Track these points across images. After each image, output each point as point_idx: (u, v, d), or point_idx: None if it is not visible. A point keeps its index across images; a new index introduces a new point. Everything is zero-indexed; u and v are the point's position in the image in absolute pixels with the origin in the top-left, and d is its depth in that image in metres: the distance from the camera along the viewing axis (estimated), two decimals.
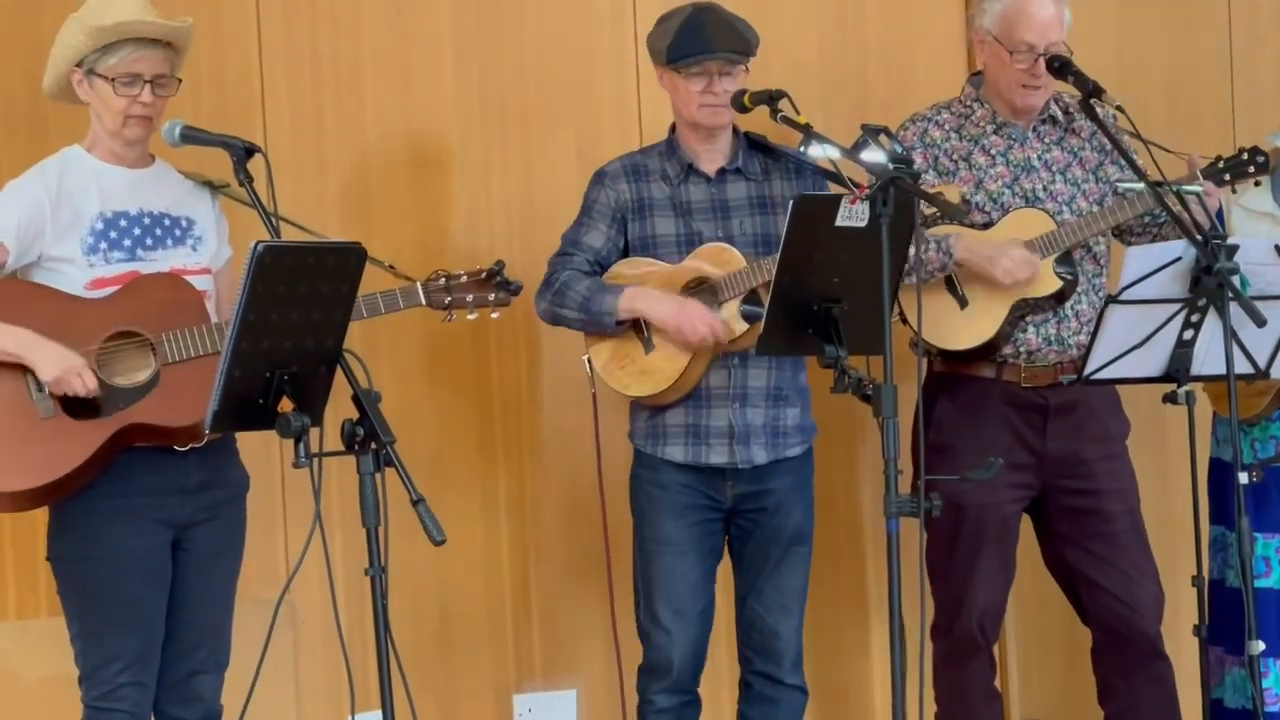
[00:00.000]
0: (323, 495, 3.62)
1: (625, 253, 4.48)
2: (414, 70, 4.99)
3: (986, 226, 4.58)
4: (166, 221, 4.04)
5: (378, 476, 3.61)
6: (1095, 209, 4.61)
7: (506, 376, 5.03)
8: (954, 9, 5.20)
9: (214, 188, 4.14)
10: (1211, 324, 4.26)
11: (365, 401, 3.61)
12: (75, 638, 3.98)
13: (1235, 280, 4.22)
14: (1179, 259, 4.24)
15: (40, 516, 4.03)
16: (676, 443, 4.44)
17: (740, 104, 4.37)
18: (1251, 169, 4.59)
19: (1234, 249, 4.23)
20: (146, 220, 4.01)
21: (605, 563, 4.67)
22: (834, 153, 4.01)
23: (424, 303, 4.15)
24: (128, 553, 3.91)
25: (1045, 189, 4.63)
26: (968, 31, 4.76)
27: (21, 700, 4.60)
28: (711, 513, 4.46)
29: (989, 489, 4.40)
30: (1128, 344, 4.27)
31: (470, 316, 4.20)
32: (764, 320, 3.94)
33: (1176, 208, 4.32)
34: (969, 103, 4.68)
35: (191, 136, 3.96)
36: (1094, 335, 4.28)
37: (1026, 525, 4.72)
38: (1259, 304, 4.18)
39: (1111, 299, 4.24)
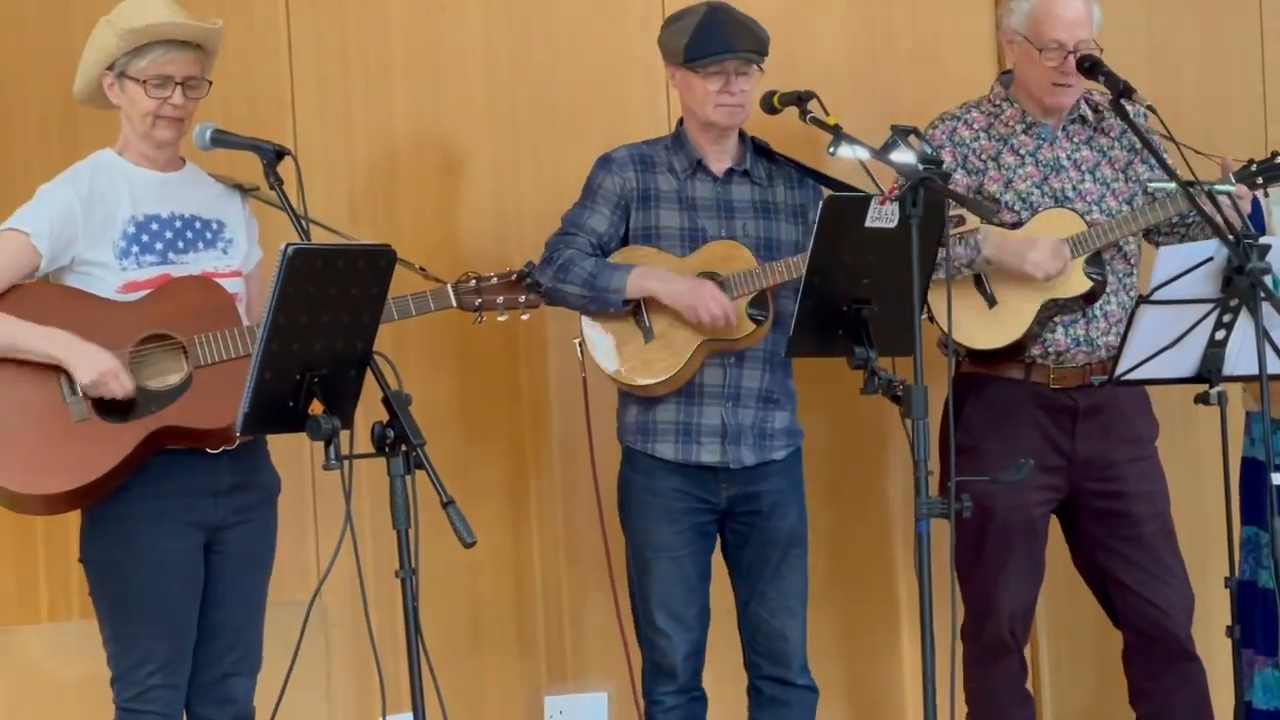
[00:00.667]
0: (353, 497, 3.62)
1: (625, 241, 4.47)
2: (444, 73, 5.00)
3: (1016, 226, 4.57)
4: (197, 224, 4.05)
5: (408, 479, 3.61)
6: (1125, 208, 4.60)
7: (537, 379, 5.03)
8: (984, 9, 5.18)
9: (244, 190, 4.15)
10: (1244, 324, 4.24)
11: (395, 404, 3.62)
12: (107, 640, 3.99)
13: (1268, 280, 4.20)
14: (1211, 259, 4.22)
15: (72, 519, 4.04)
16: (667, 439, 4.42)
17: (770, 105, 4.37)
18: None
19: (1266, 249, 4.21)
20: (178, 223, 4.03)
21: (606, 560, 4.63)
22: (863, 153, 4.01)
23: (454, 304, 4.15)
24: (160, 555, 3.92)
25: (1074, 188, 4.62)
26: (997, 32, 4.75)
27: (54, 701, 4.62)
28: (705, 514, 4.45)
29: (1017, 491, 4.39)
30: (1159, 344, 4.25)
31: (500, 318, 4.20)
32: (794, 321, 3.93)
33: (1208, 208, 4.31)
34: (998, 102, 4.67)
35: (222, 140, 3.97)
36: (1125, 335, 4.26)
37: (1056, 526, 4.71)
38: None
39: (1143, 299, 4.23)
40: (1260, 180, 4.56)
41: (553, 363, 5.02)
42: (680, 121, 4.53)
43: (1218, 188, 4.41)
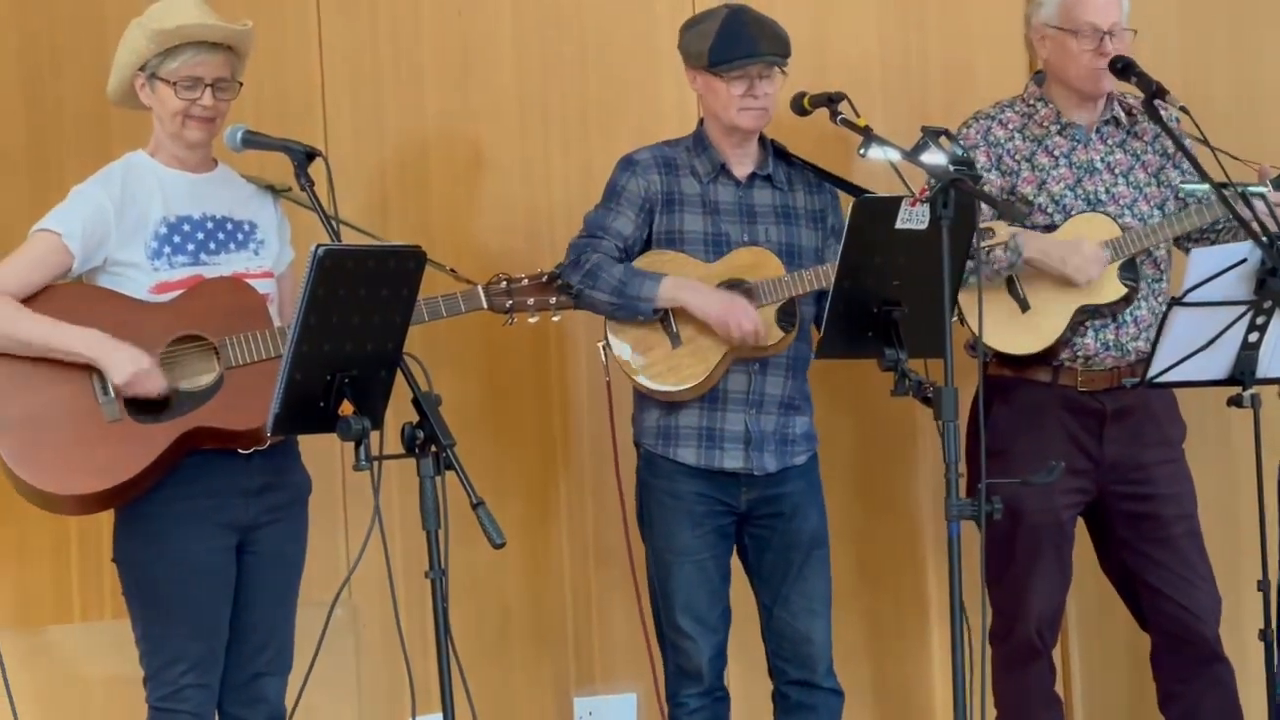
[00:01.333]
0: (383, 498, 3.63)
1: (647, 244, 4.45)
2: (474, 72, 5.00)
3: (1049, 229, 4.56)
4: (229, 225, 4.06)
5: (438, 479, 3.62)
6: (1157, 213, 4.58)
7: (567, 380, 5.03)
8: (1014, 10, 5.14)
9: (276, 191, 4.16)
10: (1277, 326, 4.22)
11: (425, 404, 3.62)
12: (140, 639, 4.00)
13: None
14: (1244, 260, 4.20)
15: (104, 519, 4.06)
16: (689, 445, 4.41)
17: (800, 106, 4.35)
18: None
19: None
20: (209, 224, 4.04)
21: (629, 563, 4.63)
22: (894, 155, 4.00)
23: (485, 306, 4.15)
24: (192, 555, 3.93)
25: (1107, 191, 4.60)
26: (1026, 32, 4.73)
27: (86, 701, 4.64)
28: (725, 517, 4.44)
29: (1046, 494, 4.38)
30: (1192, 346, 4.23)
31: (531, 320, 4.20)
32: (824, 323, 3.92)
33: (1242, 210, 4.29)
34: (1032, 101, 4.65)
35: (253, 141, 3.98)
36: (1157, 337, 4.24)
37: (1083, 529, 4.69)
38: None
39: (1176, 301, 4.21)
40: None
41: (583, 364, 5.02)
42: (701, 123, 4.51)
43: (1251, 189, 4.39)
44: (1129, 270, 4.54)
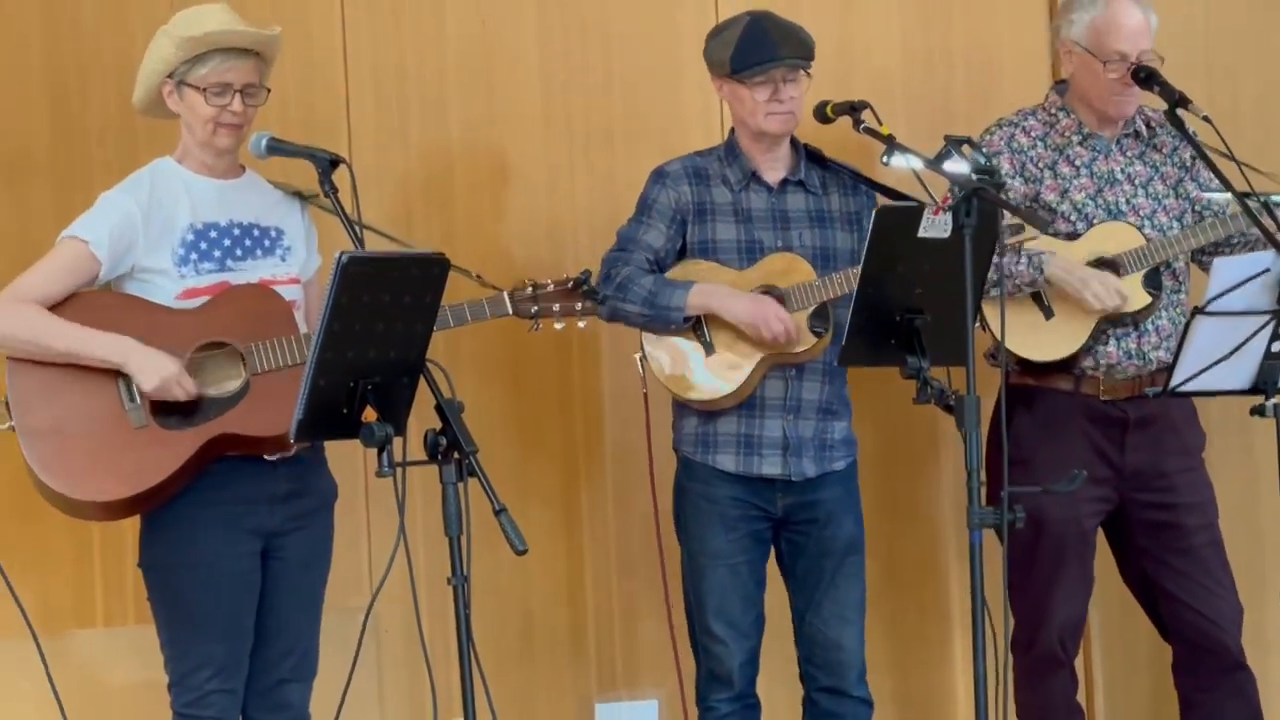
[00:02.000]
0: (406, 504, 3.63)
1: (681, 255, 4.46)
2: (498, 82, 5.01)
3: (1071, 237, 4.56)
4: (256, 232, 4.07)
5: (460, 486, 3.62)
6: (1175, 225, 4.58)
7: (589, 387, 5.04)
8: (1038, 19, 5.17)
9: (304, 198, 4.16)
10: None
11: (448, 411, 3.62)
12: (165, 645, 4.01)
13: None
14: (1267, 270, 4.20)
15: (128, 525, 4.07)
16: (728, 451, 4.42)
17: (823, 114, 4.36)
18: None
19: None
20: (236, 231, 4.04)
21: (660, 569, 4.63)
22: (917, 163, 4.00)
23: (510, 312, 4.13)
24: (218, 561, 3.94)
25: (1128, 202, 4.60)
26: (1052, 42, 4.73)
27: (110, 706, 4.65)
28: (761, 522, 4.44)
29: (1069, 503, 4.37)
30: (1215, 356, 4.22)
31: (557, 326, 4.18)
32: (846, 331, 3.93)
33: (1266, 221, 4.28)
34: (1054, 110, 4.66)
35: (278, 148, 3.99)
36: (1180, 347, 4.24)
37: (1103, 538, 4.69)
38: None
39: (1199, 310, 4.20)
40: None
41: (606, 370, 5.02)
42: (732, 132, 4.52)
43: (1274, 198, 4.39)
44: (1152, 280, 4.54)
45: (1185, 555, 4.56)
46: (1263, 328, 4.22)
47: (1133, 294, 4.51)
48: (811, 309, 4.34)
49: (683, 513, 4.49)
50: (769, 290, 4.37)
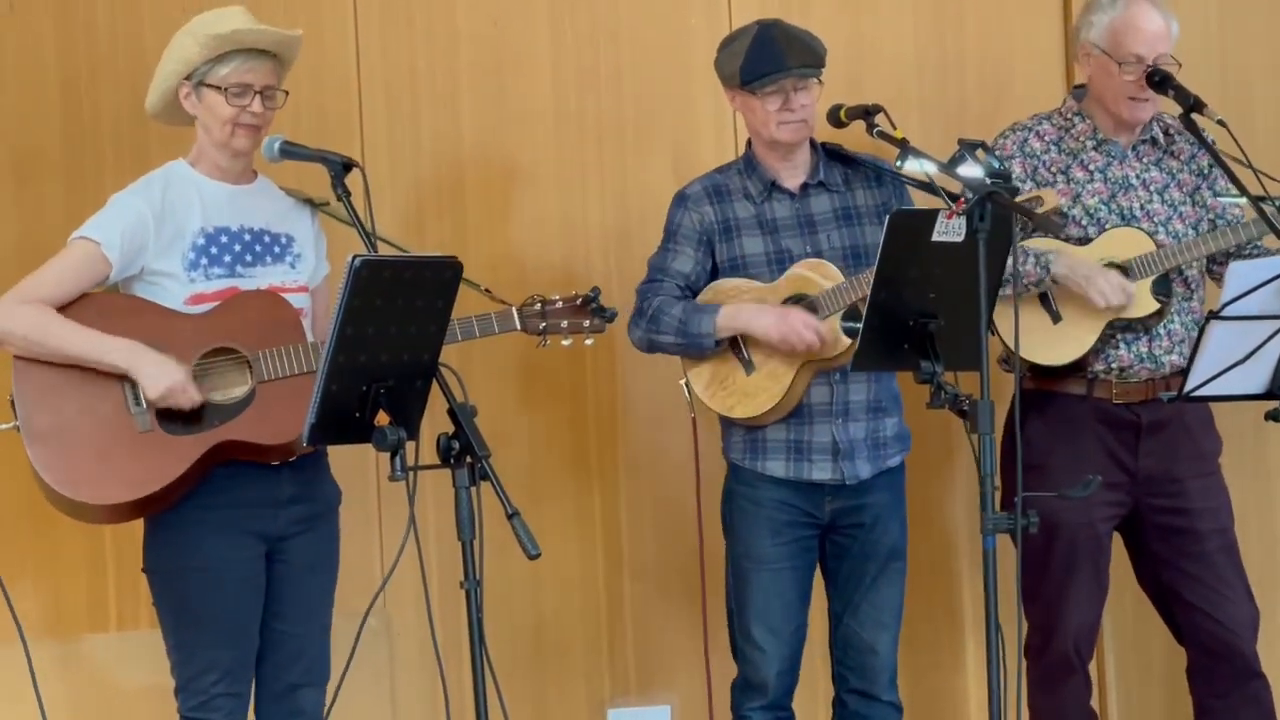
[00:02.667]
0: (418, 508, 3.63)
1: (713, 275, 4.45)
2: (510, 86, 5.01)
3: (1083, 242, 4.54)
4: (266, 238, 4.06)
5: (473, 490, 3.62)
6: (1191, 232, 4.56)
7: (601, 391, 5.04)
8: (1053, 23, 5.16)
9: (315, 205, 4.16)
10: None
11: (461, 415, 3.62)
12: (171, 649, 4.01)
13: None
14: None
15: (141, 529, 4.07)
16: (777, 458, 4.40)
17: (836, 119, 4.35)
18: None
19: None
20: (247, 236, 4.04)
21: (700, 581, 4.65)
22: (931, 167, 4.00)
23: (519, 327, 4.12)
24: (222, 564, 3.93)
25: (1142, 208, 4.58)
26: (1068, 45, 4.72)
27: (121, 710, 4.65)
28: (808, 529, 4.43)
29: (1083, 508, 4.36)
30: (1229, 360, 4.21)
31: (565, 343, 4.15)
32: (859, 336, 3.92)
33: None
34: (1070, 115, 4.64)
35: (291, 152, 3.98)
36: (1194, 351, 4.22)
37: (1118, 543, 4.67)
38: None
39: (1213, 315, 4.18)
40: None
41: (619, 376, 5.02)
42: (749, 143, 4.51)
43: None
44: (1162, 286, 4.52)
45: (1199, 560, 4.55)
46: (1278, 332, 4.20)
47: (1141, 299, 4.50)
48: (843, 310, 4.32)
49: (729, 517, 4.48)
50: (799, 299, 4.36)
